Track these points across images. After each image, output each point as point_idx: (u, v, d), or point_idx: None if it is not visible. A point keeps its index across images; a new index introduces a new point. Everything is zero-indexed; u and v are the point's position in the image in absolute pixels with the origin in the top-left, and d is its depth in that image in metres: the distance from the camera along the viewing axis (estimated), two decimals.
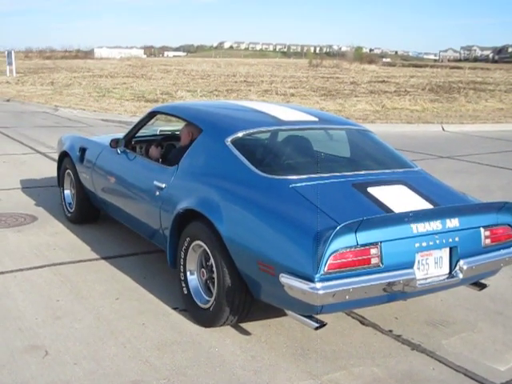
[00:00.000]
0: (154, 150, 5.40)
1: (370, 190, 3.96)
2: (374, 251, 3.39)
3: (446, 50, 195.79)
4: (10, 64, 38.43)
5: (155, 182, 4.68)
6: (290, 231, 3.51)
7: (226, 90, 26.53)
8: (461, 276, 3.75)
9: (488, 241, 3.92)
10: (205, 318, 4.06)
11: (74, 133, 8.92)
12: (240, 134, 4.44)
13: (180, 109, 5.41)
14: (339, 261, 3.28)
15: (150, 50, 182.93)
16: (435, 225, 3.63)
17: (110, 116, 17.16)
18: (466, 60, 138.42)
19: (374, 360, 3.76)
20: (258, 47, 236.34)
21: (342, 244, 3.27)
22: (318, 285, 3.21)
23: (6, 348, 3.74)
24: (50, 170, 8.80)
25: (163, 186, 4.59)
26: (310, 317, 3.52)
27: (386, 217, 3.61)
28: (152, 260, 5.38)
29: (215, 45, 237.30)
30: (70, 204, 6.52)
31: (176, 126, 6.08)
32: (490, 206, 4.05)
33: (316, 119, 5.00)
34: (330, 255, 3.23)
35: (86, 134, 8.95)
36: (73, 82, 31.78)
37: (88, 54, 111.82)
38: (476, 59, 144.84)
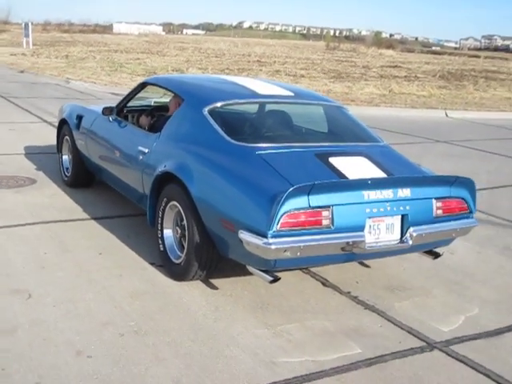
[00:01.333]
0: (143, 119, 5.75)
1: (331, 159, 4.30)
2: (325, 214, 3.73)
3: (466, 39, 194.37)
4: (26, 36, 38.82)
5: (139, 147, 5.07)
6: (249, 192, 3.88)
7: (237, 68, 26.78)
8: (410, 242, 4.07)
9: (439, 211, 4.24)
10: (177, 272, 4.44)
11: (74, 102, 9.24)
12: (217, 105, 4.81)
13: (167, 80, 5.82)
14: (291, 220, 3.62)
15: (168, 27, 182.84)
16: (387, 193, 3.95)
17: (119, 90, 17.47)
18: (487, 49, 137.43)
19: (327, 316, 4.10)
20: (278, 28, 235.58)
21: (294, 205, 3.60)
22: (271, 240, 3.55)
23: None
24: (53, 138, 9.09)
25: (146, 151, 4.97)
26: (266, 271, 3.86)
27: (338, 182, 3.96)
28: (138, 222, 5.74)
29: (234, 24, 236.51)
30: (67, 169, 6.90)
31: (169, 97, 6.42)
32: (443, 179, 4.37)
33: (292, 94, 5.33)
34: (282, 214, 3.58)
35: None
36: (88, 55, 32.10)
37: (106, 29, 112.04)
38: (496, 48, 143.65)
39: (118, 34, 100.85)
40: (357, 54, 53.36)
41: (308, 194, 3.64)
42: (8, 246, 4.98)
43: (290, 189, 3.54)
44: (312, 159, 4.31)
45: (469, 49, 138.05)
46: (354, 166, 4.29)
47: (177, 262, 4.45)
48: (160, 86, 5.66)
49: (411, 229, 4.06)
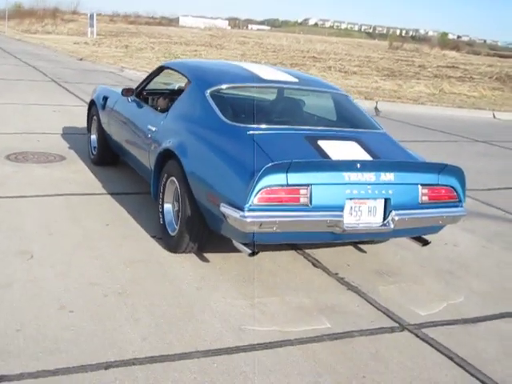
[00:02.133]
0: (161, 101, 6.06)
1: (320, 142, 4.46)
2: (303, 192, 3.90)
3: None
4: (91, 26, 39.97)
5: (149, 126, 5.40)
6: (233, 167, 4.14)
7: (290, 63, 26.91)
8: (392, 226, 4.19)
9: (425, 198, 4.32)
10: (171, 244, 4.72)
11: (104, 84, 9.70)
12: (220, 87, 5.13)
13: (181, 64, 6.29)
14: (268, 196, 3.82)
15: (234, 22, 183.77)
16: (369, 176, 4.06)
17: (170, 79, 17.91)
18: None
19: (308, 293, 4.27)
20: (343, 26, 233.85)
21: (272, 181, 3.80)
22: (247, 214, 3.77)
23: (0, 252, 4.47)
24: None
25: (154, 129, 5.30)
26: (247, 244, 4.07)
27: (318, 162, 4.14)
28: (151, 199, 6.02)
29: (300, 21, 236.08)
30: (94, 148, 7.27)
31: None
32: (430, 167, 4.47)
33: (296, 80, 5.55)
34: (259, 189, 3.78)
35: None
36: (147, 46, 32.80)
37: (172, 22, 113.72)
38: None
39: (184, 27, 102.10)
40: (419, 54, 52.63)
41: (286, 172, 3.81)
42: (24, 213, 5.33)
43: (268, 165, 3.74)
44: (301, 141, 4.48)
45: None
46: (341, 150, 4.43)
47: (172, 234, 4.73)
48: (174, 70, 5.92)
49: (393, 213, 4.16)
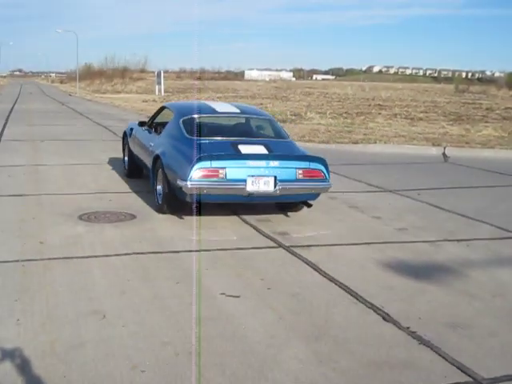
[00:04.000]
0: (159, 128, 9.04)
1: (239, 146, 7.51)
2: (221, 171, 6.92)
3: None
4: (158, 83, 41.38)
5: (151, 143, 8.72)
6: (185, 159, 7.16)
7: (356, 112, 27.02)
8: (278, 192, 7.05)
9: (300, 176, 7.20)
10: (159, 208, 7.88)
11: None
12: (189, 117, 8.25)
13: (171, 104, 10.32)
14: (201, 173, 6.84)
15: (299, 73, 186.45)
16: (262, 163, 7.08)
17: None
18: None
19: (379, 348, 4.20)
20: (408, 72, 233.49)
21: (202, 166, 6.85)
22: (189, 183, 6.82)
23: (73, 310, 4.61)
24: None
25: (152, 144, 8.56)
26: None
27: (230, 154, 7.25)
28: (218, 256, 6.13)
29: (364, 68, 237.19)
30: (126, 165, 10.66)
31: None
32: (305, 158, 7.51)
33: (238, 110, 8.95)
34: (195, 170, 6.81)
35: None
36: (215, 101, 33.49)
37: (238, 76, 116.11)
38: None
39: (249, 80, 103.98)
40: (486, 97, 51.95)
41: (210, 160, 6.91)
42: (97, 273, 5.49)
43: (199, 156, 6.92)
44: (227, 145, 7.55)
45: None
46: (251, 149, 7.44)
47: (160, 203, 7.88)
48: (168, 108, 9.47)
49: (279, 183, 7.04)
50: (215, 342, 4.17)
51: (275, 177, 7.01)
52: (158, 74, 42.89)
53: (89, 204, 8.19)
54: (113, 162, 12.14)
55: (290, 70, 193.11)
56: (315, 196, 7.56)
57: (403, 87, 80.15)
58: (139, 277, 5.44)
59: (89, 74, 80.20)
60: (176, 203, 7.49)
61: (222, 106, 9.32)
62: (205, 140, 7.60)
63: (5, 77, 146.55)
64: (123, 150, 11.06)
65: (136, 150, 9.77)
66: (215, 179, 6.83)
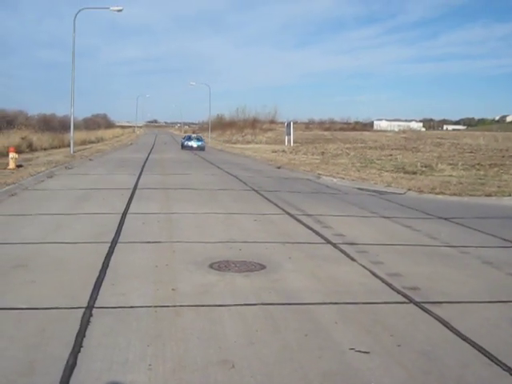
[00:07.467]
0: None
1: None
2: None
3: None
4: (288, 134, 42.12)
5: None
6: None
7: (488, 163, 26.08)
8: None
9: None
10: None
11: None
12: None
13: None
14: None
15: (429, 123, 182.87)
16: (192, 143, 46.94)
17: (365, 185, 18.12)
18: None
19: None
20: None
21: None
22: None
23: (203, 358, 4.69)
24: (293, 229, 10.04)
25: None
26: None
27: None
28: (347, 310, 6.03)
29: (497, 118, 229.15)
30: None
31: None
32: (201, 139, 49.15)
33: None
34: None
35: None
36: (342, 152, 33.70)
37: (366, 126, 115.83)
38: None
39: (378, 130, 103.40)
40: None
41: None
42: (227, 323, 5.55)
43: None
44: None
45: None
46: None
47: None
48: None
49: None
50: None
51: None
52: (288, 125, 43.74)
53: (219, 253, 8.36)
54: (242, 210, 12.40)
55: (420, 121, 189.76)
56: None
57: None
58: (268, 328, 5.45)
59: (220, 125, 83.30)
60: None
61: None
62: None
63: (141, 127, 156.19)
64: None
65: None
66: None
